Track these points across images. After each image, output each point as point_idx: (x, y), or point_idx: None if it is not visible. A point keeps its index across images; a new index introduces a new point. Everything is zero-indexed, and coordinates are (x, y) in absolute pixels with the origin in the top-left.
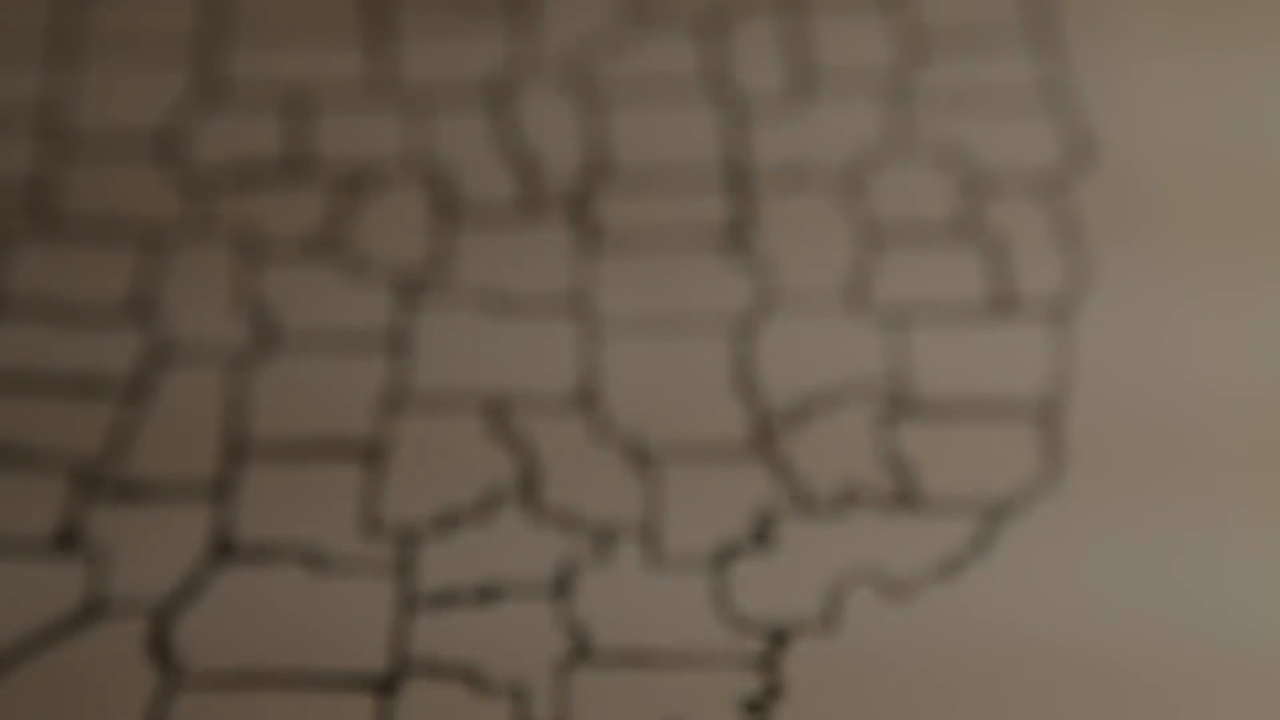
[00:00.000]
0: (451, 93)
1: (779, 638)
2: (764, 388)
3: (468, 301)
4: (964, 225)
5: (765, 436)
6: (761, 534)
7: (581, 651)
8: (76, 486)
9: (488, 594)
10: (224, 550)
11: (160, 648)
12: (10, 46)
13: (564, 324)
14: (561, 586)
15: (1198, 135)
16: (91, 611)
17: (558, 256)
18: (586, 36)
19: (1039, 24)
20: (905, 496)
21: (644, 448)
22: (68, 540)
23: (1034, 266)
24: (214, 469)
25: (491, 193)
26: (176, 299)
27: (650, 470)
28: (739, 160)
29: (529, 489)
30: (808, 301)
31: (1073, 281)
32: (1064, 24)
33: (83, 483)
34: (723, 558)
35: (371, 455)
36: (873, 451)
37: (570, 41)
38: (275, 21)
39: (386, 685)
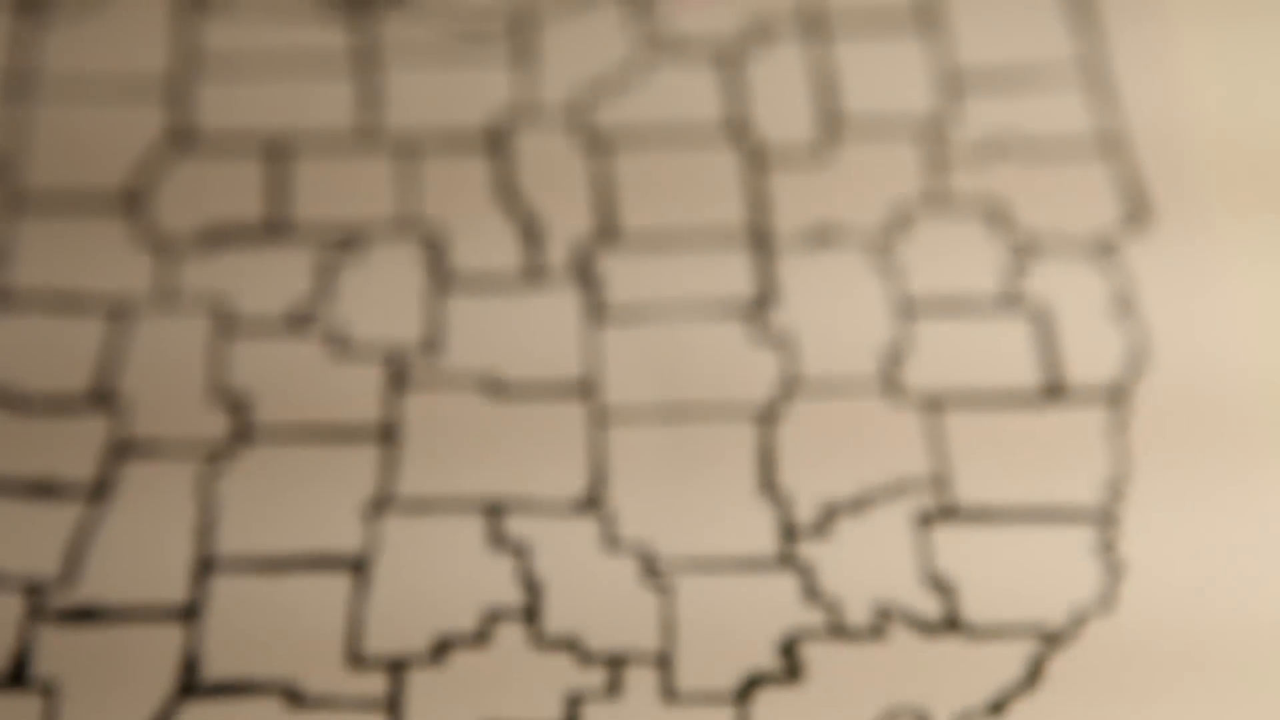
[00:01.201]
0: (446, 140)
1: None
2: (789, 486)
3: (463, 384)
4: (1008, 292)
5: (791, 545)
6: (789, 662)
7: None
8: (30, 608)
9: None
10: (192, 685)
11: None
12: None
13: (568, 409)
14: None
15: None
16: None
17: (561, 330)
18: (594, 74)
19: (1087, 60)
20: (948, 619)
21: (656, 560)
22: (18, 675)
23: (1085, 341)
24: (182, 586)
25: (489, 255)
26: (142, 382)
27: (664, 586)
28: (760, 218)
29: (531, 610)
30: (836, 385)
31: (1128, 359)
32: (1111, 57)
33: (36, 604)
34: (746, 690)
35: (357, 570)
36: (911, 564)
37: (576, 79)
38: (254, 60)
39: None
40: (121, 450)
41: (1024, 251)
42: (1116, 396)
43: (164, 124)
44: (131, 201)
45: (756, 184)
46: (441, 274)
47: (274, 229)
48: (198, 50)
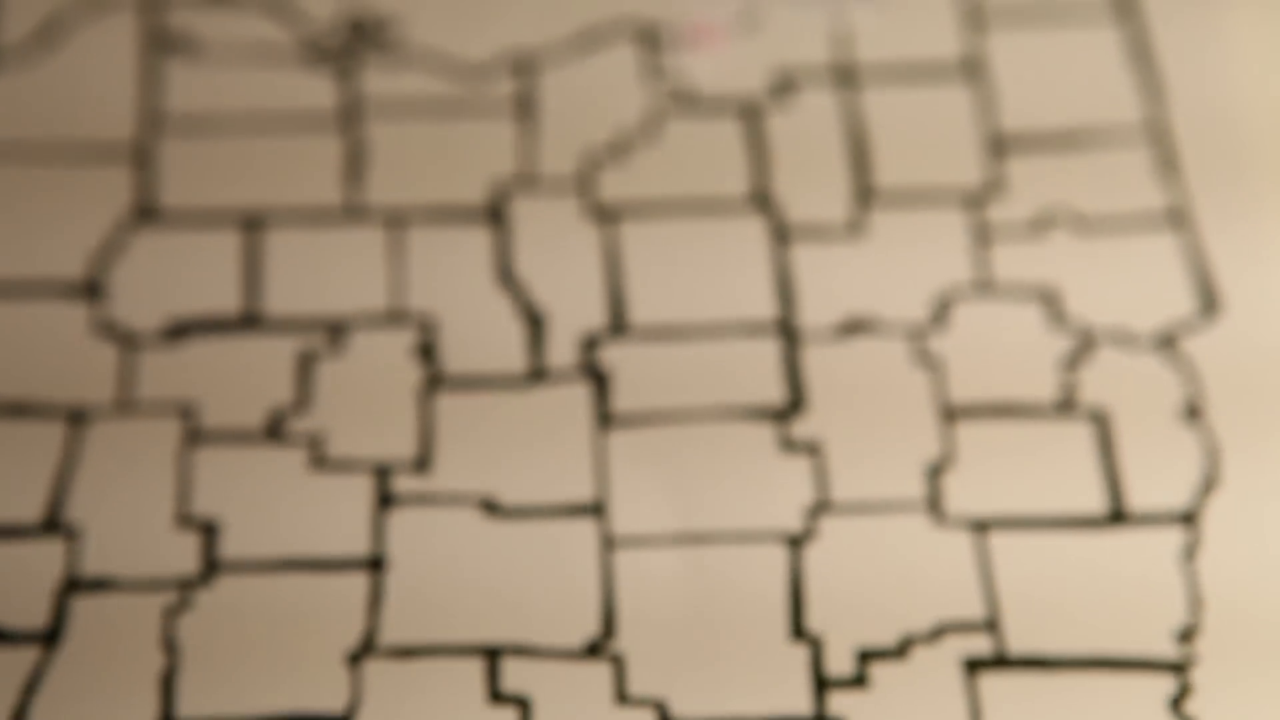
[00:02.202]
0: (439, 212)
1: None
2: (819, 632)
3: (458, 504)
4: (1063, 393)
5: (824, 700)
6: None
7: None
8: None
9: None
10: None
11: None
12: None
13: (574, 531)
14: None
15: None
16: None
17: (566, 437)
18: (602, 132)
19: (1151, 123)
20: None
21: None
22: None
23: (1151, 453)
24: None
25: (487, 348)
26: (98, 504)
27: None
28: (786, 303)
29: None
30: (871, 509)
31: (1200, 475)
32: (1173, 113)
33: None
34: None
35: None
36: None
37: (581, 139)
38: (227, 119)
39: None
40: (74, 586)
41: (1080, 343)
42: (1188, 520)
43: (129, 194)
44: (92, 288)
45: (781, 262)
46: (434, 370)
47: (248, 320)
48: (165, 107)
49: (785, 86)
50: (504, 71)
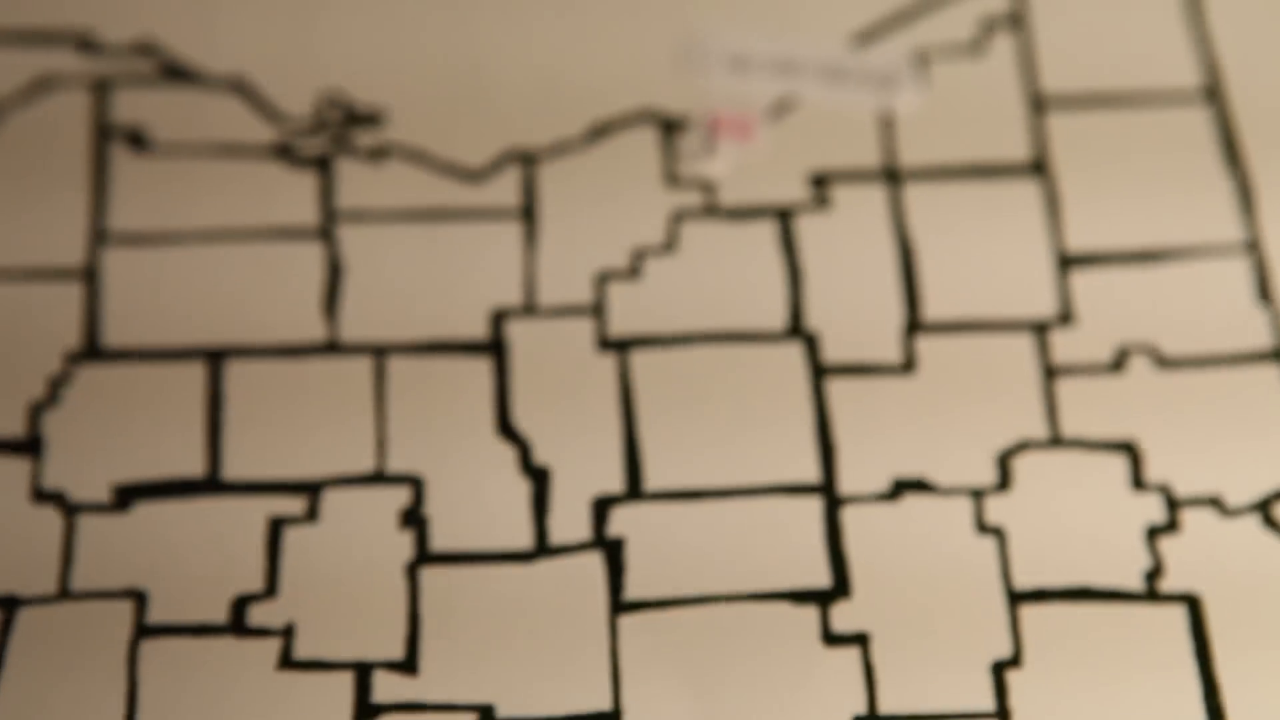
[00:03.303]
0: (428, 354)
1: None
2: None
3: (450, 715)
4: (1147, 578)
5: None
6: None
7: None
8: None
9: None
10: None
11: None
12: None
13: None
14: None
15: None
16: None
17: (573, 633)
18: (611, 250)
19: (1250, 245)
20: None
21: None
22: None
23: (1252, 651)
24: None
25: (481, 520)
26: (29, 711)
27: None
28: (824, 460)
29: None
30: None
31: None
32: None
33: None
34: None
35: None
36: None
37: (588, 259)
38: (190, 233)
39: None
40: None
41: (1167, 508)
42: None
43: (76, 333)
44: (31, 445)
45: (821, 409)
46: (421, 542)
47: (208, 484)
48: (117, 226)
49: (823, 190)
50: (504, 175)
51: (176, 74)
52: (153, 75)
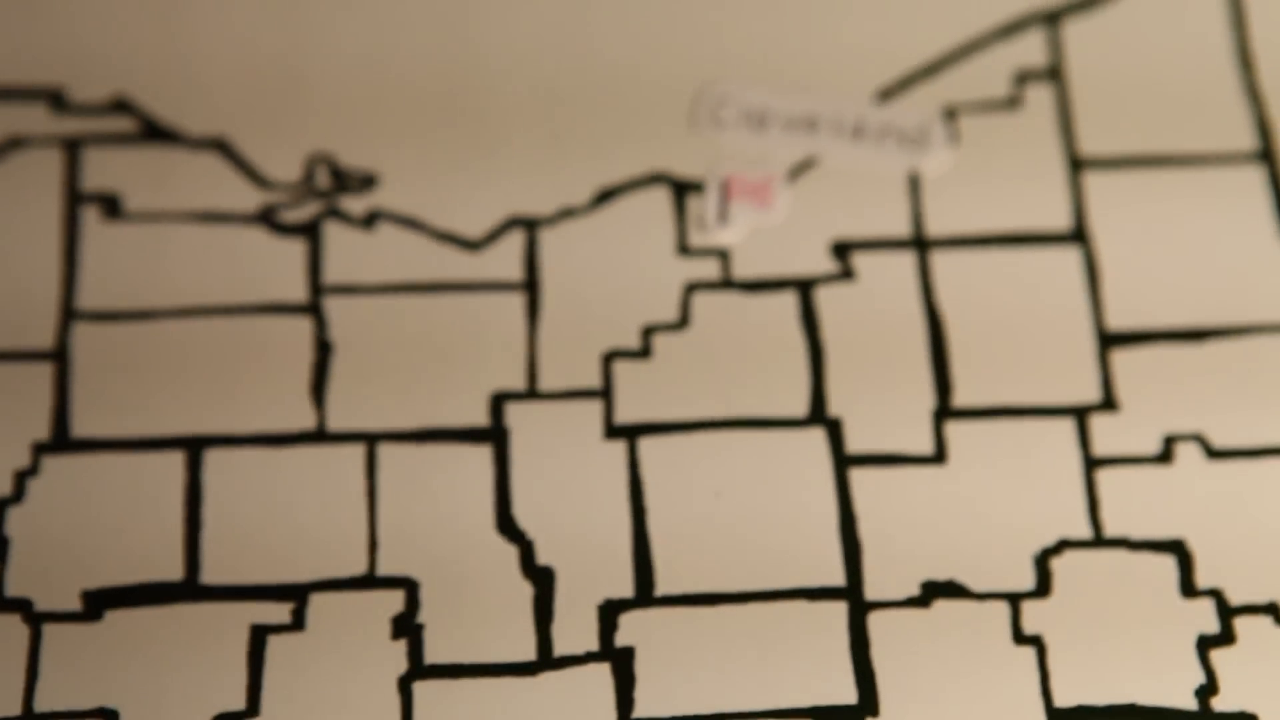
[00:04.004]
0: (421, 440)
1: None
2: None
3: None
4: (1200, 688)
5: None
6: None
7: None
8: None
9: None
10: None
11: None
12: None
13: None
14: None
15: None
16: None
17: None
18: (630, 326)
19: None
20: None
21: None
22: None
23: None
24: None
25: (478, 621)
26: None
27: None
28: (851, 571)
29: None
30: None
31: None
32: None
33: None
34: None
35: None
36: None
37: (602, 333)
38: (162, 314)
39: None
40: None
41: (1221, 616)
42: None
43: (44, 420)
44: None
45: (846, 505)
46: (414, 647)
47: (186, 589)
48: (88, 300)
49: (846, 259)
50: (504, 244)
51: (154, 134)
52: (128, 135)
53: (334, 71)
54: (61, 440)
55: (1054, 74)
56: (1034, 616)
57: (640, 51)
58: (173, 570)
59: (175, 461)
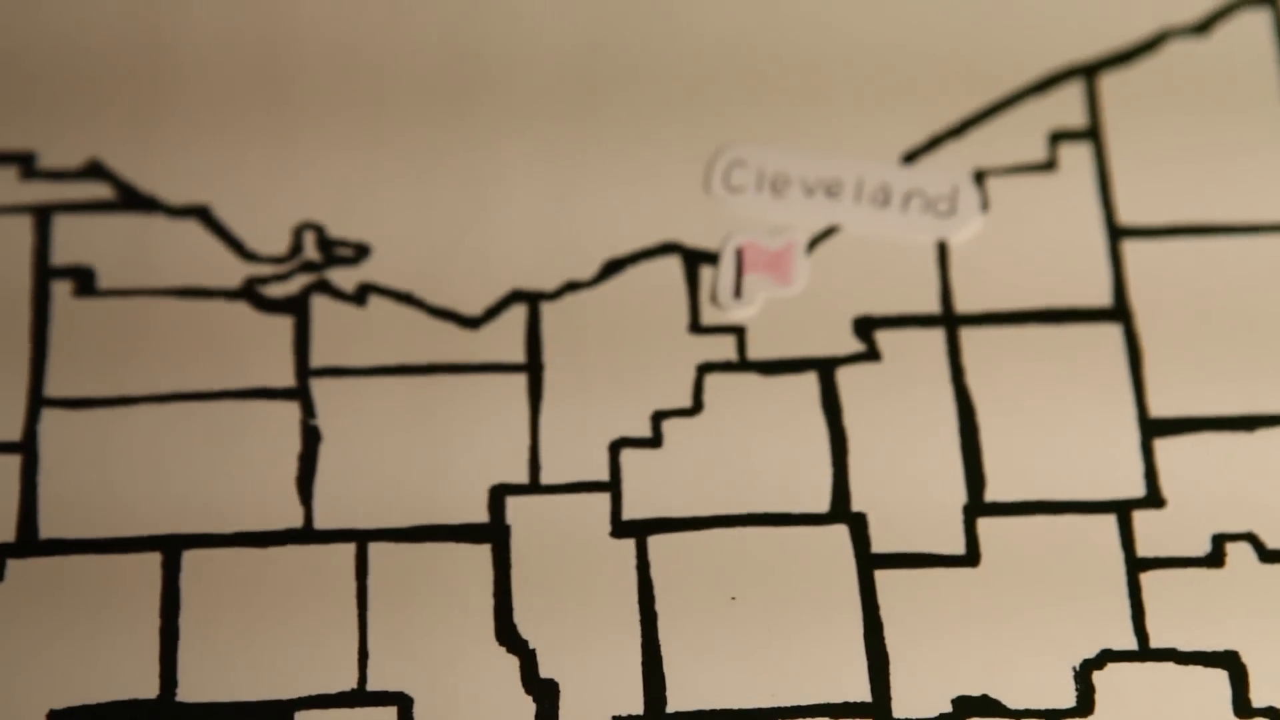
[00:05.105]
0: (416, 540)
1: None
2: None
3: None
4: None
5: None
6: None
7: None
8: None
9: None
10: None
11: None
12: None
13: None
14: None
15: None
16: None
17: None
18: (638, 410)
19: None
20: None
21: None
22: None
23: None
24: None
25: None
26: None
27: None
28: (878, 699)
29: None
30: None
31: None
32: None
33: None
34: None
35: None
36: None
37: (608, 418)
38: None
39: None
40: None
41: None
42: None
43: (8, 521)
44: None
45: (868, 602)
46: None
47: (162, 708)
48: (58, 387)
49: (869, 338)
50: (504, 322)
51: (130, 202)
52: (103, 203)
53: (323, 136)
54: (28, 542)
55: (1092, 134)
56: None
57: (650, 112)
58: (148, 687)
59: (151, 564)
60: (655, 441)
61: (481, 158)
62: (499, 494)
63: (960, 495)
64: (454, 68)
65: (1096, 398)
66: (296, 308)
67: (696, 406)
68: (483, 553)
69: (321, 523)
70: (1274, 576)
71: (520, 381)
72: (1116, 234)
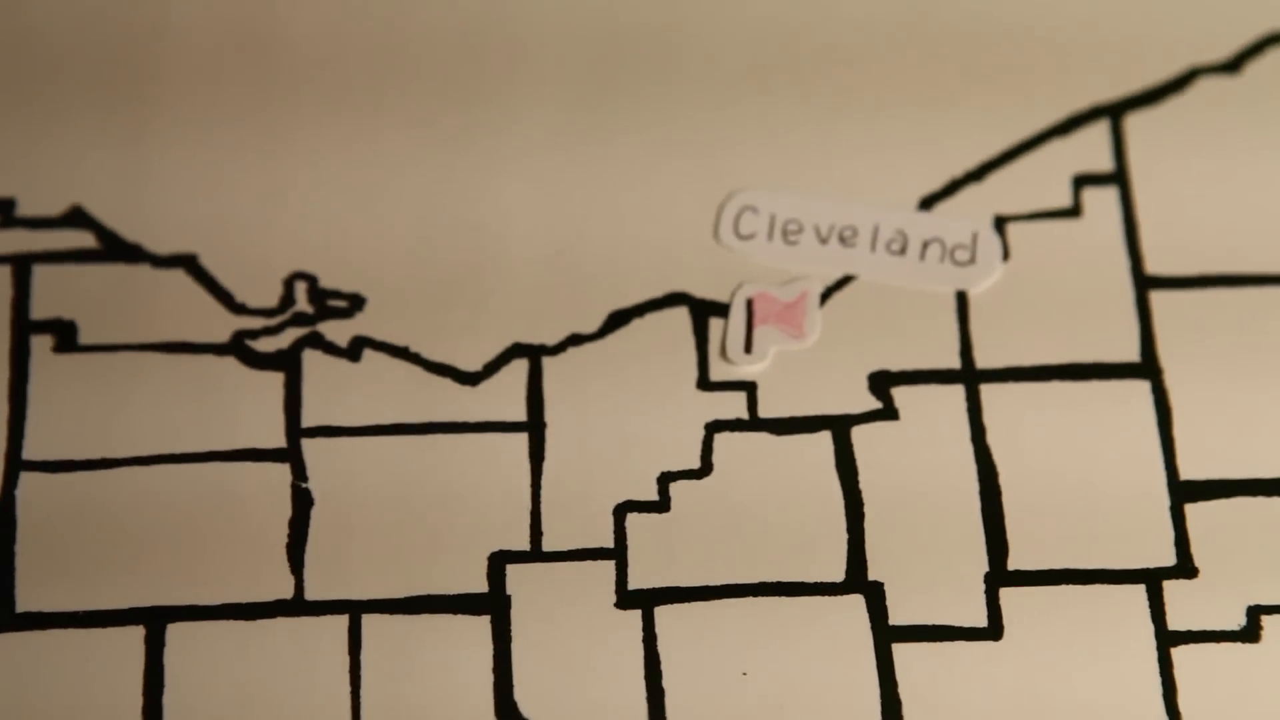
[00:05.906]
0: (413, 611)
1: None
2: None
3: None
4: None
5: None
6: None
7: None
8: None
9: None
10: None
11: None
12: None
13: None
14: None
15: None
16: None
17: None
18: (642, 471)
19: None
20: None
21: None
22: None
23: None
24: None
25: None
26: None
27: None
28: None
29: None
30: None
31: None
32: None
33: None
34: None
35: None
36: None
37: (612, 482)
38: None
39: None
40: None
41: None
42: None
43: None
44: None
45: (885, 678)
46: None
47: None
48: (36, 448)
49: (885, 394)
50: (504, 377)
51: (113, 253)
52: (84, 253)
53: (316, 182)
54: (5, 616)
55: (1118, 177)
56: None
57: (657, 156)
58: None
59: (134, 638)
60: (662, 505)
61: (482, 203)
62: (499, 561)
63: (982, 563)
64: (453, 109)
65: (1124, 459)
66: (287, 363)
67: (705, 468)
68: (482, 624)
69: (313, 593)
70: None
71: (521, 441)
72: (1144, 284)
